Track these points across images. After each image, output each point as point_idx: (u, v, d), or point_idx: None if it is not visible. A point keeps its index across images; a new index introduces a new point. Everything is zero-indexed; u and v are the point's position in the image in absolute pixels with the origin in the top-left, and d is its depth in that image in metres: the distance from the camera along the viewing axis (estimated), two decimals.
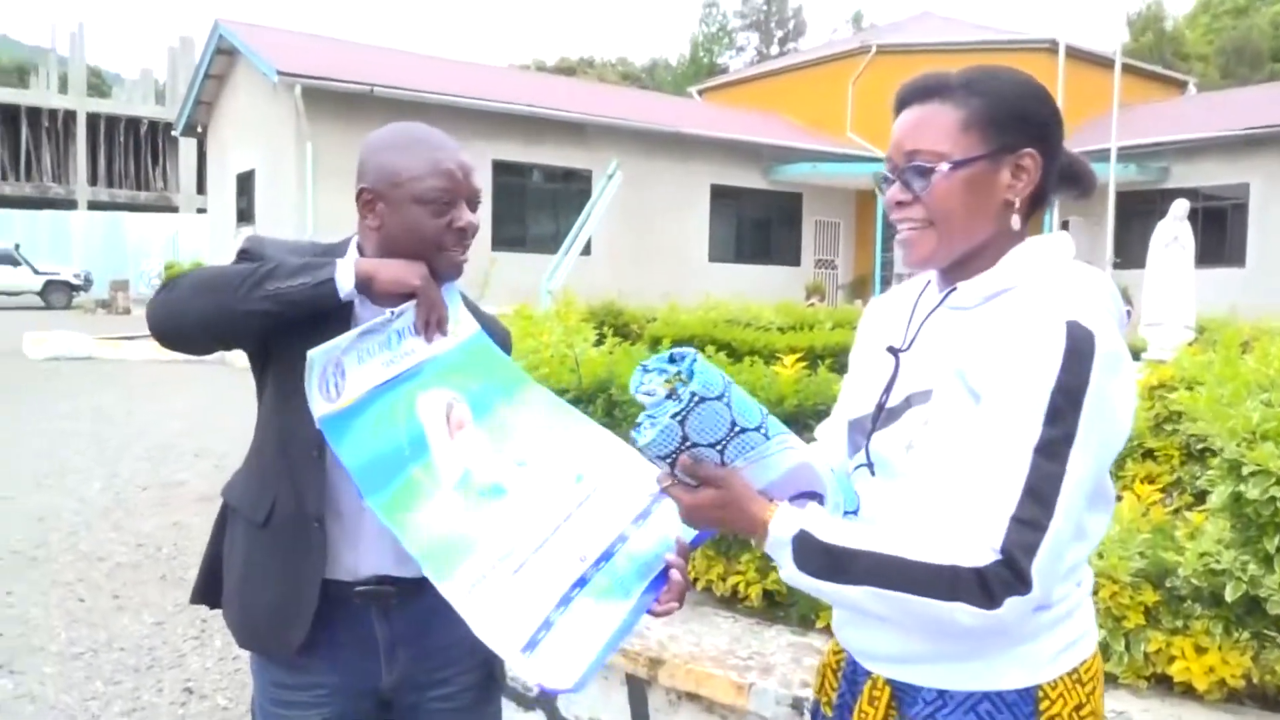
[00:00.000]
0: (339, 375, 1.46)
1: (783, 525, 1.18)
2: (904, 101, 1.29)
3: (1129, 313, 1.32)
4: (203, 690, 3.68)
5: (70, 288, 28.52)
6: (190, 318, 1.56)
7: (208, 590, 1.78)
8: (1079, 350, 1.12)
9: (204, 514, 5.78)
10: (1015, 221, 1.26)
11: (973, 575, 1.08)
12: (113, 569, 5.13)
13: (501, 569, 1.35)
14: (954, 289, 1.27)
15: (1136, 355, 8.71)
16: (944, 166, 1.23)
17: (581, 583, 1.35)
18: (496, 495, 1.45)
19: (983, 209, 1.25)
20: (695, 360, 1.18)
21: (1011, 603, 1.08)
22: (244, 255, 1.64)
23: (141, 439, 8.65)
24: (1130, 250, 17.26)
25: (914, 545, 1.12)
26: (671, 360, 1.19)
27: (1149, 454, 4.10)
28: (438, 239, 1.61)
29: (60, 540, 5.62)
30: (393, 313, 1.53)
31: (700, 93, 30.44)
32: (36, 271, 28.36)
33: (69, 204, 40.27)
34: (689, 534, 1.43)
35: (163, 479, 7.21)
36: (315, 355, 1.43)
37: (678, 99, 30.25)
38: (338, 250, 1.68)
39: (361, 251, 1.67)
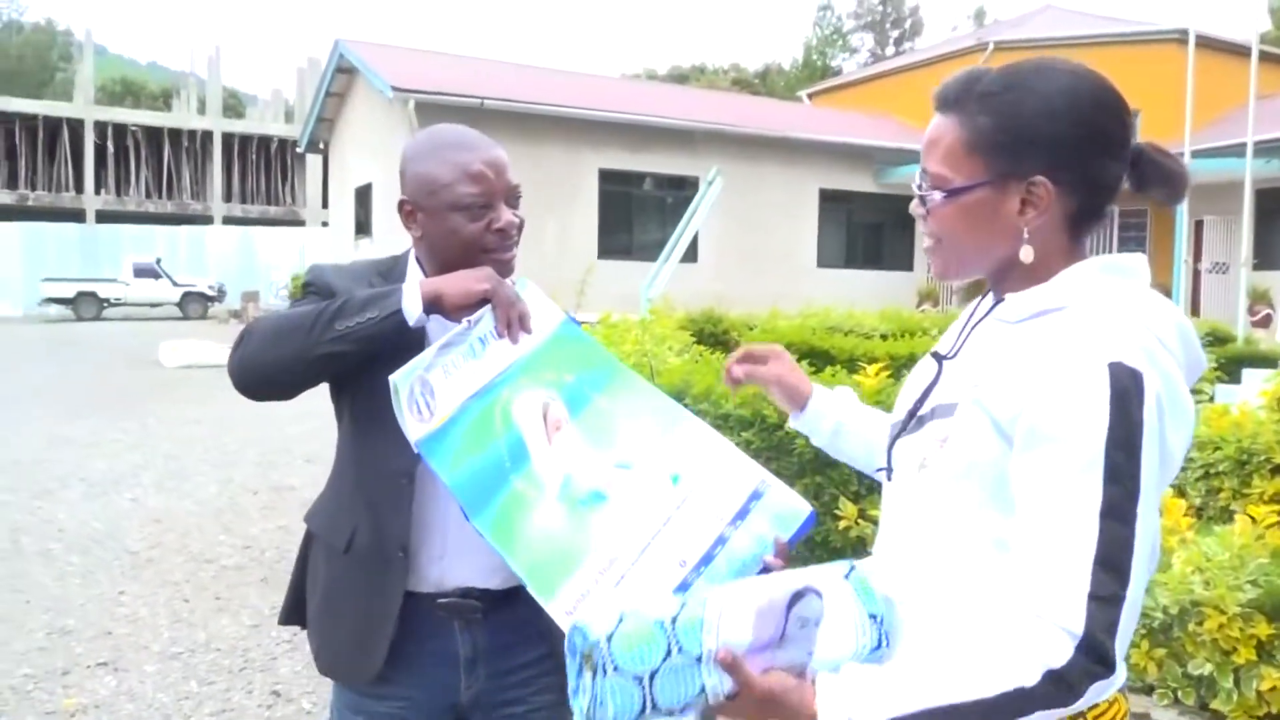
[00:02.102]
0: (428, 394, 1.41)
1: (831, 714, 1.06)
2: (935, 104, 1.20)
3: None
4: (290, 694, 3.76)
5: (206, 299, 30.13)
6: (269, 369, 1.55)
7: (295, 611, 1.80)
8: (1126, 395, 1.00)
9: None
10: (1026, 253, 1.13)
11: (1047, 681, 0.98)
12: (219, 571, 5.32)
13: (604, 582, 1.31)
14: (1002, 300, 1.18)
15: (1275, 362, 8.13)
16: (937, 195, 1.16)
17: (683, 588, 1.30)
18: (597, 503, 1.40)
19: (991, 235, 1.16)
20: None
21: (1095, 687, 0.99)
22: (308, 288, 1.65)
23: (257, 444, 9.00)
24: (1270, 251, 16.19)
25: (973, 679, 1.01)
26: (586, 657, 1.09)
27: (1278, 470, 3.84)
28: (480, 242, 1.60)
29: (173, 541, 5.88)
30: (470, 321, 1.49)
31: (809, 96, 30.04)
32: (175, 284, 30.10)
33: (206, 219, 42.53)
34: (787, 533, 1.37)
35: (273, 483, 7.47)
36: (398, 379, 1.38)
37: (785, 103, 29.92)
38: (398, 266, 1.69)
39: (420, 263, 1.68)
